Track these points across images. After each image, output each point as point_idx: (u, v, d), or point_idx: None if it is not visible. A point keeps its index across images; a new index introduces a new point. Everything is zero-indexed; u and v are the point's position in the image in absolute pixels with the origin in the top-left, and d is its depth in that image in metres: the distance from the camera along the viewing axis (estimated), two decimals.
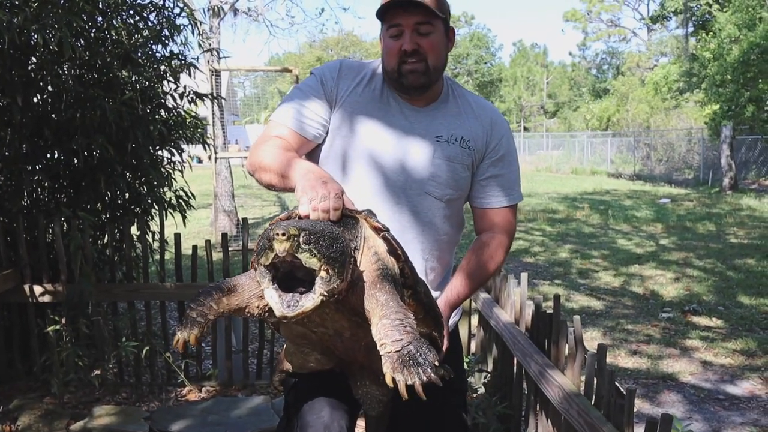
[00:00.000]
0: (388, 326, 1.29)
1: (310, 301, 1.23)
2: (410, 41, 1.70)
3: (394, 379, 1.26)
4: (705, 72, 19.40)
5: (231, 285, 1.41)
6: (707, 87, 18.80)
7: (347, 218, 1.44)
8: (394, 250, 1.44)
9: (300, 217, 1.42)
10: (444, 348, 1.69)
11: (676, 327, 5.39)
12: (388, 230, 1.45)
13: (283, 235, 1.20)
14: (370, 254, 1.41)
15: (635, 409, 1.90)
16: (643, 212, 12.95)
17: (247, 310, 1.41)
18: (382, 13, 1.72)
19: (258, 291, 1.35)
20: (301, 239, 1.21)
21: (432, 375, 1.26)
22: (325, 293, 1.23)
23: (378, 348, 1.30)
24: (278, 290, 1.25)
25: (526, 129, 53.15)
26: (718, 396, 4.04)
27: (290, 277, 1.27)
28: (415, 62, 1.71)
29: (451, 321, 1.88)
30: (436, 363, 1.29)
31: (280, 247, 1.20)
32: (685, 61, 26.08)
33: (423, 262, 1.82)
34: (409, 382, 1.25)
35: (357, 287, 1.37)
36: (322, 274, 1.23)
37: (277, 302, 1.24)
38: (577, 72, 54.74)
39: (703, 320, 5.57)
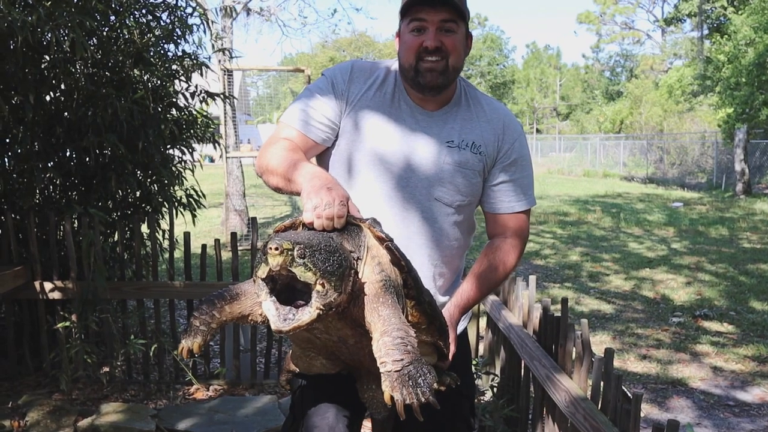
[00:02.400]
0: (389, 344, 1.28)
1: (306, 315, 1.23)
2: (434, 38, 1.66)
3: (392, 397, 1.26)
4: (719, 75, 19.24)
5: (234, 293, 1.41)
6: (721, 90, 18.62)
7: (351, 226, 1.42)
8: (398, 260, 1.42)
9: (304, 224, 1.41)
10: (451, 354, 1.67)
11: (687, 332, 5.35)
12: (391, 240, 1.43)
13: (276, 249, 1.18)
14: (373, 264, 1.39)
15: (644, 414, 1.89)
16: (655, 216, 12.87)
17: (250, 318, 1.41)
18: (406, 8, 1.68)
19: None
20: (295, 253, 1.20)
21: (430, 397, 1.26)
22: (322, 307, 1.22)
23: (378, 365, 1.29)
24: (275, 303, 1.25)
25: (538, 131, 52.97)
26: (728, 402, 4.00)
27: (291, 288, 1.26)
28: (435, 60, 1.67)
29: (461, 325, 1.86)
30: (435, 385, 1.29)
31: (273, 261, 1.19)
32: (699, 63, 25.90)
33: (432, 268, 1.80)
34: (407, 402, 1.25)
35: (359, 299, 1.35)
36: (318, 288, 1.21)
37: (274, 315, 1.24)
38: (590, 74, 54.48)
39: (714, 325, 5.52)
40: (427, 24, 1.67)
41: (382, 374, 1.28)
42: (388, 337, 1.29)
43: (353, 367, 1.65)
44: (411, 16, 1.68)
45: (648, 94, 33.53)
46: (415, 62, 1.69)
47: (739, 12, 20.65)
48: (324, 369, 1.67)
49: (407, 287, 1.44)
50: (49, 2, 3.53)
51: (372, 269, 1.39)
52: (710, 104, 24.67)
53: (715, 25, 26.70)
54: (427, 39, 1.67)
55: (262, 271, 1.22)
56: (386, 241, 1.42)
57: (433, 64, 1.68)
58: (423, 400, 1.25)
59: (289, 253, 1.20)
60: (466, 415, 1.90)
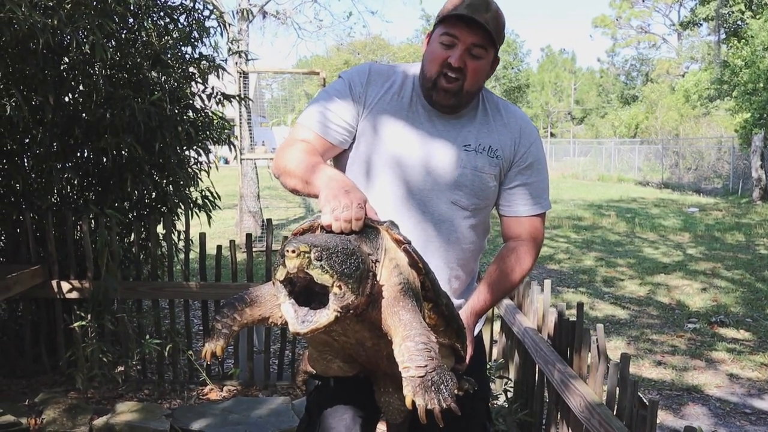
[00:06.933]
0: (412, 349, 1.28)
1: (323, 317, 1.23)
2: (459, 58, 1.66)
3: (413, 402, 1.26)
4: (736, 79, 19.07)
5: (254, 296, 1.41)
6: (738, 95, 18.46)
7: (369, 229, 1.42)
8: (416, 263, 1.42)
9: (322, 227, 1.41)
10: (468, 357, 1.67)
11: (702, 338, 5.31)
12: (409, 242, 1.42)
13: (293, 252, 1.19)
14: (391, 267, 1.39)
15: (659, 421, 1.88)
16: (671, 221, 12.78)
17: (270, 320, 1.41)
18: (443, 18, 1.69)
19: None
20: (312, 256, 1.20)
21: (452, 404, 1.27)
22: (339, 309, 1.23)
23: (400, 369, 1.29)
24: (294, 305, 1.25)
25: (552, 135, 52.77)
26: (744, 410, 3.96)
27: (310, 290, 1.26)
28: (453, 80, 1.68)
29: (476, 329, 1.86)
30: (456, 391, 1.30)
31: (291, 264, 1.20)
32: (716, 68, 25.69)
33: (448, 271, 1.80)
34: (429, 407, 1.25)
35: (377, 302, 1.35)
36: (335, 290, 1.22)
37: (292, 317, 1.24)
38: (605, 78, 54.19)
39: (730, 332, 5.47)
40: (457, 41, 1.67)
41: (404, 379, 1.28)
42: (411, 342, 1.29)
43: (370, 369, 1.66)
44: (445, 29, 1.68)
45: (664, 99, 33.31)
46: (436, 76, 1.69)
47: (757, 16, 20.49)
48: (341, 371, 1.67)
49: (425, 290, 1.44)
50: (69, 5, 3.57)
51: (390, 272, 1.38)
52: (727, 109, 24.45)
53: (732, 29, 26.46)
54: (453, 56, 1.66)
55: (280, 274, 1.23)
56: (404, 244, 1.42)
57: (450, 85, 1.68)
58: (445, 406, 1.26)
59: (306, 255, 1.20)
60: (482, 418, 1.90)
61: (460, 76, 1.68)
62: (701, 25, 33.50)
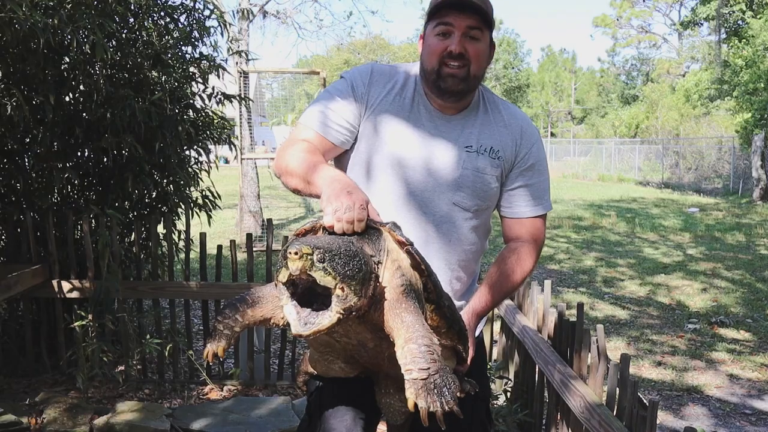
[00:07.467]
0: (415, 352, 1.28)
1: (326, 319, 1.23)
2: (458, 44, 1.66)
3: (416, 404, 1.27)
4: (737, 79, 19.08)
5: (255, 297, 1.41)
6: (739, 95, 18.48)
7: (371, 230, 1.42)
8: (418, 264, 1.42)
9: (324, 228, 1.41)
10: (469, 359, 1.67)
11: (703, 339, 5.31)
12: (411, 244, 1.42)
13: (296, 253, 1.19)
14: (393, 268, 1.39)
15: (659, 422, 1.88)
16: (671, 221, 12.78)
17: (272, 321, 1.41)
18: (434, 11, 1.68)
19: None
20: (314, 257, 1.20)
21: (455, 407, 1.27)
22: (342, 311, 1.23)
23: (402, 372, 1.29)
24: (296, 306, 1.25)
25: (553, 135, 52.79)
26: (744, 411, 3.96)
27: (312, 292, 1.26)
28: (458, 67, 1.67)
29: (477, 330, 1.86)
30: (459, 394, 1.30)
31: (293, 265, 1.19)
32: (716, 67, 25.69)
33: (449, 272, 1.80)
34: (432, 410, 1.26)
35: (380, 303, 1.35)
36: (338, 292, 1.22)
37: (295, 319, 1.24)
38: (605, 78, 54.18)
39: (730, 332, 5.47)
40: (453, 29, 1.66)
41: (406, 381, 1.28)
42: (414, 345, 1.29)
43: (371, 370, 1.66)
44: (438, 20, 1.68)
45: (664, 98, 33.30)
46: (438, 66, 1.69)
47: (758, 16, 20.50)
48: (342, 372, 1.67)
49: (427, 291, 1.44)
50: (70, 5, 3.57)
51: (392, 273, 1.38)
52: (727, 109, 24.47)
53: (733, 29, 26.45)
54: (452, 44, 1.66)
55: (283, 275, 1.23)
56: (406, 245, 1.41)
57: (455, 70, 1.67)
58: (447, 408, 1.26)
59: (309, 257, 1.20)
60: (483, 419, 1.90)
61: (464, 62, 1.68)
62: (702, 24, 33.50)
